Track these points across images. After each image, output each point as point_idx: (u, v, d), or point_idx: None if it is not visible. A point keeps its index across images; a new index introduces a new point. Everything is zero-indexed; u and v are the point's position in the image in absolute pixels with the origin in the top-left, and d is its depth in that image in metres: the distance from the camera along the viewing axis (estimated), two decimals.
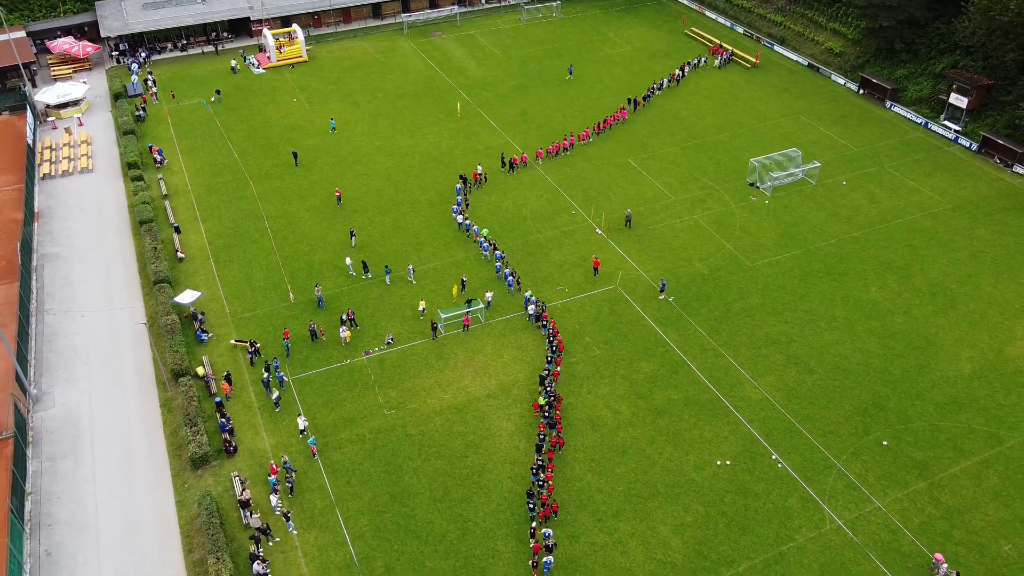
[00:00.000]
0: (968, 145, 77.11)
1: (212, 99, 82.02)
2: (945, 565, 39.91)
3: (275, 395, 50.06)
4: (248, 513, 43.02)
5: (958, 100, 78.77)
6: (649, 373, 52.41)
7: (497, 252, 61.25)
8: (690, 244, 64.40)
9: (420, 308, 56.28)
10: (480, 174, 71.63)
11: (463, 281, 58.97)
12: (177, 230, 64.92)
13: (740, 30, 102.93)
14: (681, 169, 74.39)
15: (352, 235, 63.87)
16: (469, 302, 57.13)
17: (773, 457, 46.77)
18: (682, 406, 50.06)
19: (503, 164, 73.91)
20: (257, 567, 40.06)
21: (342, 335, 54.14)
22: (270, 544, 42.12)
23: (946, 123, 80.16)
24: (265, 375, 50.88)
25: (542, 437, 46.58)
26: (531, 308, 55.91)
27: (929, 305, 57.95)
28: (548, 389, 49.66)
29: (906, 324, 56.30)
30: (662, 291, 57.45)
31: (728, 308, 57.78)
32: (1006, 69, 76.49)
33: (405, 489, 45.02)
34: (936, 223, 66.82)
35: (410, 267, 59.91)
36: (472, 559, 41.46)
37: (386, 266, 60.60)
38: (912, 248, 63.77)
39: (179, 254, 62.36)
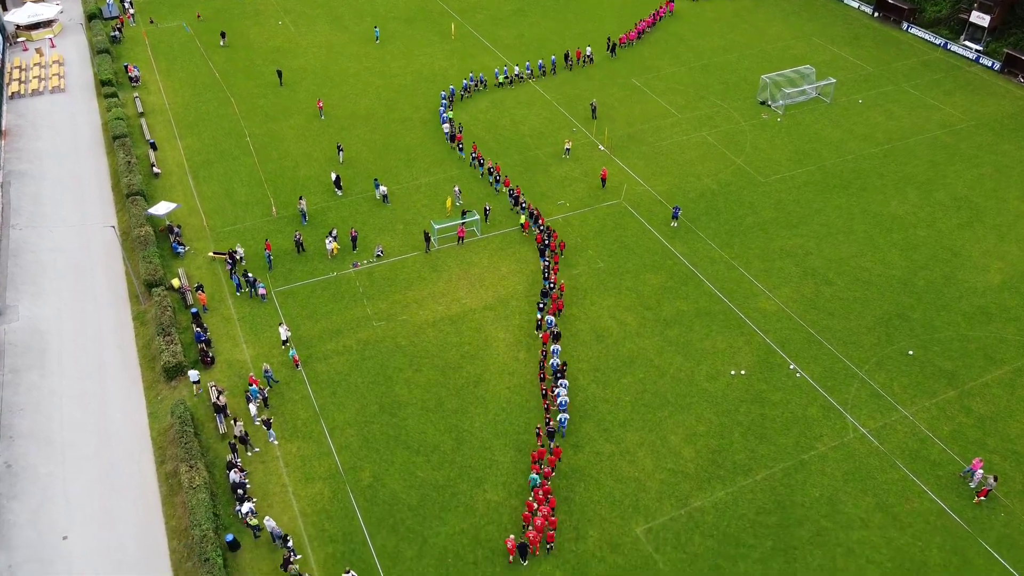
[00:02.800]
0: (990, 64, 73.15)
1: (197, 17, 76.71)
2: (981, 471, 36.80)
3: (261, 289, 46.72)
4: (224, 419, 39.69)
5: (979, 18, 74.69)
6: (657, 285, 48.99)
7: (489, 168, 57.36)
8: (698, 160, 60.68)
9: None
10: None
11: (457, 191, 55.24)
12: (153, 146, 60.94)
13: None
14: (687, 88, 70.41)
15: (340, 150, 59.99)
16: (464, 214, 53.49)
17: (791, 367, 43.53)
18: (692, 317, 46.71)
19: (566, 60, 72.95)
20: (234, 475, 36.86)
21: (328, 247, 50.53)
22: (249, 454, 38.87)
23: (967, 43, 76.13)
24: (238, 277, 47.56)
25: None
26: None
27: (954, 218, 54.46)
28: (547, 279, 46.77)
29: (929, 237, 52.85)
30: (675, 217, 53.48)
31: (739, 222, 54.24)
32: None
33: (395, 400, 41.74)
34: (958, 139, 63.12)
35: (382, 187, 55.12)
36: (468, 469, 38.29)
37: (375, 180, 56.78)
38: (934, 164, 60.14)
39: (155, 169, 58.48)
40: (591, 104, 65.34)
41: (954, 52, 76.10)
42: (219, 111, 66.57)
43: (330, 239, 50.68)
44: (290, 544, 34.27)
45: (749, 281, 49.27)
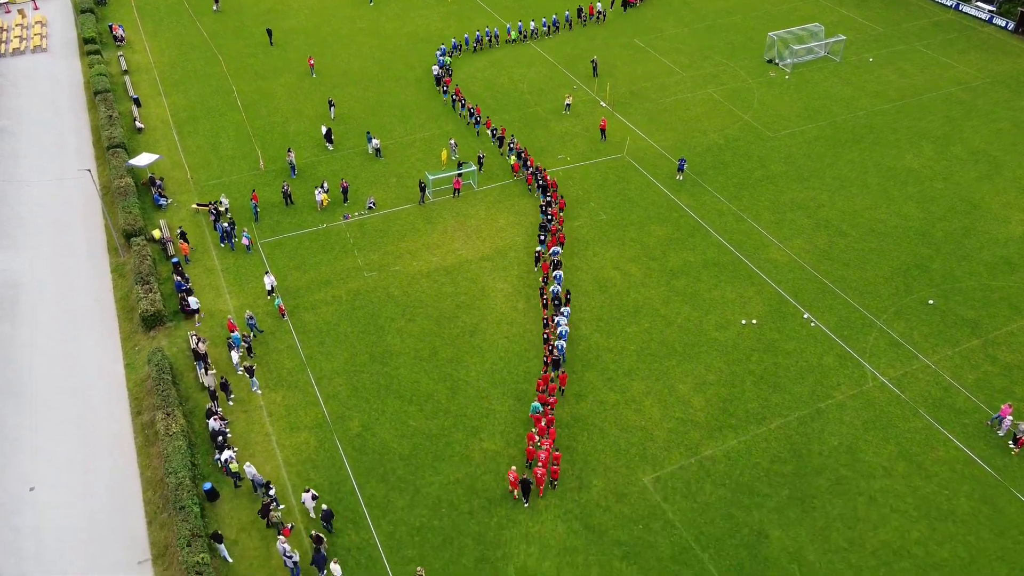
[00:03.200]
0: (1004, 24, 70.82)
1: (214, 8, 73.30)
2: (1010, 418, 34.50)
3: (246, 239, 44.45)
4: (204, 369, 37.31)
5: None
6: (662, 236, 46.65)
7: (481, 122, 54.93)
8: (704, 116, 58.33)
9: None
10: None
11: (453, 144, 52.88)
12: (137, 102, 58.57)
13: None
14: (691, 48, 68.06)
15: (331, 105, 57.58)
16: (460, 165, 51.14)
17: (805, 316, 41.21)
18: (700, 268, 44.38)
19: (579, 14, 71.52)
20: (214, 423, 34.51)
21: (318, 198, 48.16)
22: (229, 403, 36.51)
23: (979, 4, 73.75)
24: (225, 225, 45.17)
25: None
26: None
27: (972, 171, 52.14)
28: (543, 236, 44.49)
29: (947, 189, 50.54)
30: (680, 170, 51.10)
31: (748, 175, 51.91)
32: None
33: (387, 349, 39.38)
34: (974, 96, 60.79)
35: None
36: (463, 418, 35.94)
37: (368, 132, 54.38)
38: (949, 119, 57.82)
39: (137, 124, 56.08)
40: (592, 61, 63.02)
41: (966, 13, 73.80)
42: (207, 70, 64.16)
43: (319, 191, 48.32)
44: (272, 492, 31.93)
45: (759, 232, 46.95)
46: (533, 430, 34.30)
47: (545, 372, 37.26)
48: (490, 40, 67.87)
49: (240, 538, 31.26)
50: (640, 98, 60.37)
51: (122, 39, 67.47)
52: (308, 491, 31.59)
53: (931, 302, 42.02)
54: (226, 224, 45.36)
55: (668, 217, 48.23)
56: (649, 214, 48.46)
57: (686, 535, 31.37)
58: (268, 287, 41.89)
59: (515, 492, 32.43)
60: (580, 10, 71.90)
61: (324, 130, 54.09)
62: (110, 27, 68.72)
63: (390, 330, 40.45)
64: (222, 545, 30.35)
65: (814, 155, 53.84)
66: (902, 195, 49.99)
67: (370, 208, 48.43)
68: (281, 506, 32.10)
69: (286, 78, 63.07)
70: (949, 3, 75.12)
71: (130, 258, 44.23)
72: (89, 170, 46.17)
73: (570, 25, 70.98)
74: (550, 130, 56.63)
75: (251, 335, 39.12)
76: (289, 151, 51.58)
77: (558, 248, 43.89)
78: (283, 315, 41.02)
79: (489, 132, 54.90)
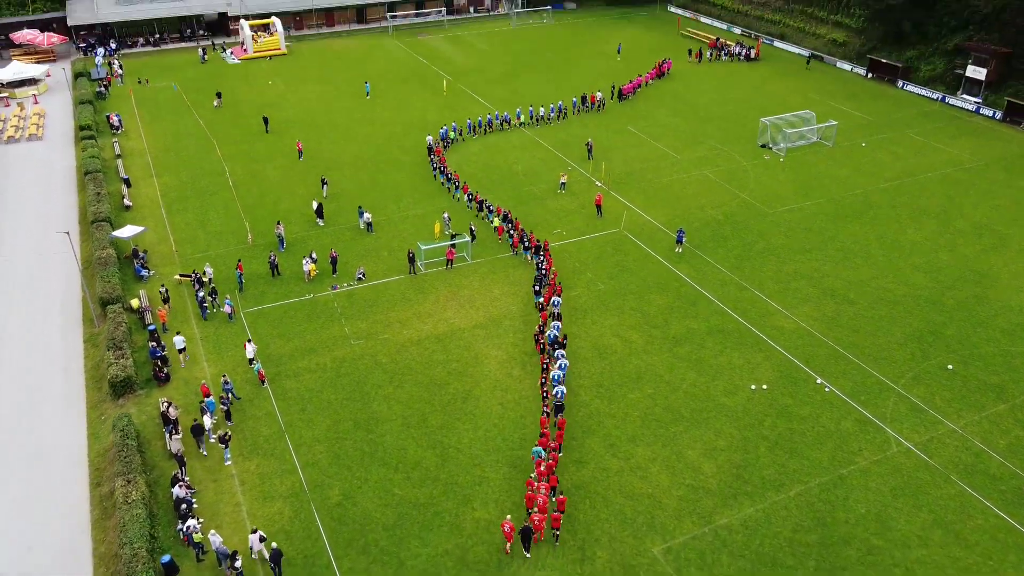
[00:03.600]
0: (992, 114, 71.82)
1: (215, 104, 74.79)
2: None
3: (227, 306, 42.38)
4: (171, 434, 34.41)
5: (976, 72, 74.03)
6: (663, 305, 44.77)
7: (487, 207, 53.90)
8: (700, 194, 57.75)
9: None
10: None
11: (446, 218, 51.77)
12: (127, 183, 57.89)
13: (738, 31, 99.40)
14: (685, 134, 68.53)
15: (324, 183, 56.94)
16: (454, 237, 49.83)
17: (818, 381, 38.79)
18: (704, 335, 42.27)
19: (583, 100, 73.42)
20: (178, 491, 31.37)
21: (305, 268, 46.51)
22: (201, 450, 33.65)
23: (965, 96, 75.14)
24: (204, 295, 43.22)
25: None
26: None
27: (976, 244, 50.99)
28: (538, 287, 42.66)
29: (953, 260, 49.20)
30: (679, 242, 49.85)
31: (748, 248, 50.64)
32: None
33: (372, 416, 36.65)
34: (971, 176, 60.60)
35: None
36: (454, 487, 32.85)
37: (360, 207, 53.41)
38: (949, 197, 57.29)
39: (126, 201, 55.17)
40: (587, 143, 63.09)
41: (953, 105, 75.05)
42: (200, 154, 64.01)
43: (307, 260, 46.73)
44: (238, 564, 28.48)
45: (763, 301, 45.14)
46: (532, 475, 31.62)
47: (544, 416, 35.07)
48: (492, 124, 68.67)
49: None
50: (635, 178, 60.00)
51: (118, 127, 67.76)
52: (255, 532, 28.43)
53: (950, 367, 39.73)
54: (206, 294, 43.40)
55: (668, 286, 46.54)
56: (648, 284, 46.78)
57: None
58: (249, 355, 39.48)
59: (508, 546, 29.18)
60: (584, 97, 73.02)
61: (315, 205, 53.14)
62: (107, 117, 69.14)
63: (376, 397, 37.82)
64: None
65: (814, 229, 52.81)
66: (908, 265, 48.58)
67: (359, 279, 46.69)
68: None
69: (280, 162, 62.82)
70: (935, 96, 76.53)
71: (105, 327, 41.97)
72: (67, 233, 44.78)
73: (577, 111, 72.28)
74: (546, 207, 55.80)
75: (228, 399, 36.43)
76: (278, 224, 50.39)
77: (558, 299, 42.58)
78: (263, 381, 38.47)
79: (466, 197, 54.84)
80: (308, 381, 38.80)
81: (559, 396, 36.17)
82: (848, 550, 30.02)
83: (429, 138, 62.92)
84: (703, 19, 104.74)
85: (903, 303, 44.92)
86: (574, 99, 73.55)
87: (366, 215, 52.16)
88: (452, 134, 65.77)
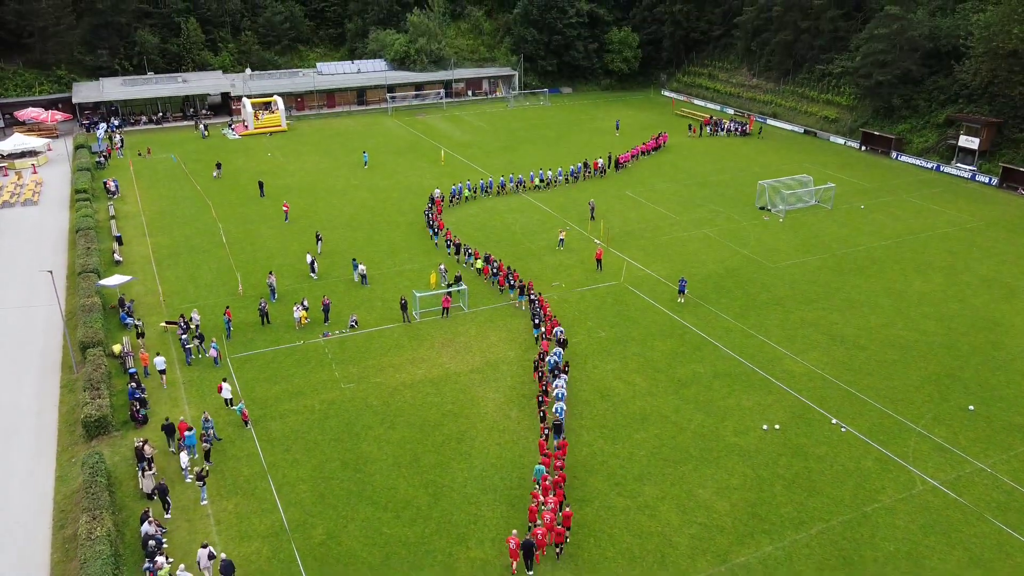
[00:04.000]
0: (988, 180, 72.07)
1: (214, 175, 74.38)
2: None
3: (213, 350, 40.62)
4: (143, 471, 32.05)
5: (968, 142, 74.81)
6: (667, 351, 43.10)
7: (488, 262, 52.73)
8: (701, 251, 56.95)
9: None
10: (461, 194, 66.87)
11: (442, 269, 50.65)
12: (119, 240, 57.03)
13: (731, 111, 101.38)
14: (683, 198, 68.44)
15: (319, 239, 56.15)
16: (450, 286, 48.57)
17: (833, 422, 36.74)
18: (711, 378, 40.43)
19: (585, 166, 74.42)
20: (147, 527, 28.85)
21: (296, 316, 45.01)
22: (167, 516, 30.94)
23: (959, 165, 75.64)
24: (188, 338, 41.58)
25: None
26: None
27: (986, 295, 49.78)
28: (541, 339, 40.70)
29: (963, 310, 47.87)
30: (681, 292, 48.68)
31: (752, 299, 49.37)
32: (1014, 105, 73.10)
33: (362, 456, 34.39)
34: (972, 235, 60.05)
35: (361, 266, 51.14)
36: (448, 525, 30.35)
37: (354, 259, 52.39)
38: (952, 253, 56.51)
39: (116, 257, 54.13)
40: (589, 204, 62.67)
41: (948, 173, 75.46)
42: (195, 216, 63.52)
43: (298, 307, 45.30)
44: None
45: (771, 347, 43.51)
46: (537, 488, 29.93)
47: (543, 439, 33.33)
48: (505, 185, 69.56)
49: None
50: (635, 237, 59.34)
51: (115, 192, 67.59)
52: (205, 546, 26.72)
53: (971, 408, 37.74)
54: (190, 338, 41.78)
55: (672, 333, 44.98)
56: (651, 331, 45.23)
57: None
58: (226, 396, 37.45)
59: (514, 565, 26.89)
60: (586, 163, 73.77)
61: (309, 259, 52.12)
62: (104, 182, 69.08)
63: (366, 438, 35.62)
64: None
65: (819, 281, 51.70)
66: (918, 314, 47.20)
67: (352, 326, 45.13)
68: None
69: (274, 223, 62.23)
70: (929, 166, 77.07)
71: (83, 372, 40.06)
72: (51, 272, 43.41)
73: (577, 177, 72.92)
74: (543, 262, 54.83)
75: (210, 436, 34.23)
76: (270, 274, 49.23)
77: (560, 328, 41.73)
78: (246, 423, 36.32)
79: (446, 241, 54.83)
80: (294, 423, 36.67)
81: (559, 413, 34.60)
82: None
83: (437, 191, 64.15)
84: (697, 101, 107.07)
85: (916, 348, 43.30)
86: (579, 165, 74.26)
87: (360, 267, 51.07)
88: (467, 192, 67.26)
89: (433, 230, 58.26)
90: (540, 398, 36.49)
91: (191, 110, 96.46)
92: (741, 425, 36.48)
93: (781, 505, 31.37)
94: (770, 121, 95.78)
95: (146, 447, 33.07)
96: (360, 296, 49.55)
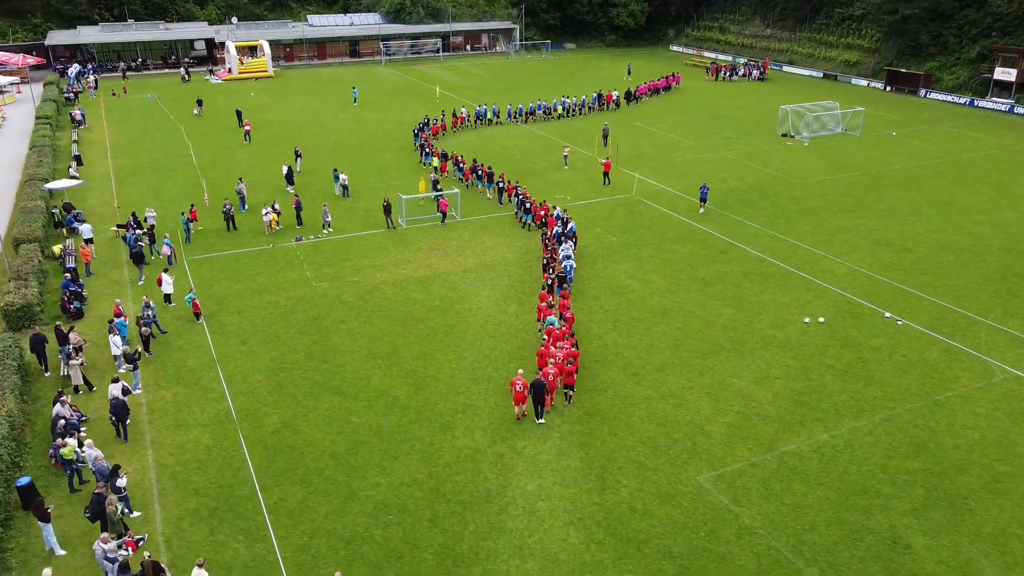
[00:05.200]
0: None
1: (195, 112, 69.01)
2: None
3: (167, 248, 35.29)
4: (69, 356, 26.63)
5: (1005, 74, 69.33)
6: (687, 253, 37.68)
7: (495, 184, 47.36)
8: (719, 169, 51.53)
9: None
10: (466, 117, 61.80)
11: (434, 179, 45.26)
12: (78, 160, 51.69)
13: (743, 60, 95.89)
14: (696, 127, 63.08)
15: (298, 156, 50.82)
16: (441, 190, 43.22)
17: (887, 316, 31.25)
18: (739, 277, 34.99)
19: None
20: (59, 408, 23.43)
21: (266, 219, 39.71)
22: (79, 393, 25.66)
23: (995, 99, 70.14)
24: (140, 235, 36.20)
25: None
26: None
27: None
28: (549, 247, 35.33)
29: (1019, 219, 42.38)
30: (703, 200, 43.13)
31: (781, 209, 43.98)
32: None
33: (330, 347, 28.99)
34: (1019, 156, 54.55)
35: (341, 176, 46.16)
36: (431, 415, 24.92)
37: (335, 169, 47.03)
38: (998, 171, 51.09)
39: (72, 172, 48.72)
40: (603, 128, 56.96)
41: (983, 107, 69.97)
42: (167, 143, 58.20)
43: (268, 210, 39.98)
44: (121, 483, 20.37)
45: (806, 249, 38.09)
46: (546, 339, 26.12)
47: (544, 290, 29.73)
48: (535, 112, 65.70)
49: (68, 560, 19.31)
50: (647, 159, 53.96)
51: (81, 122, 62.33)
52: (116, 381, 23.23)
53: None
54: (142, 235, 36.44)
55: (692, 238, 39.55)
56: (668, 236, 39.82)
57: (777, 545, 19.52)
58: (167, 290, 32.01)
59: (521, 410, 23.58)
60: (600, 95, 69.58)
61: (285, 169, 46.78)
62: (71, 113, 63.78)
63: (337, 331, 30.21)
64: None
65: (854, 194, 46.28)
66: (970, 221, 41.78)
67: (328, 232, 39.75)
68: (130, 511, 20.45)
69: (253, 149, 56.83)
70: (962, 101, 71.60)
71: (13, 265, 34.62)
72: None
73: (590, 108, 69.04)
74: (547, 179, 49.42)
75: (149, 318, 28.85)
76: (240, 181, 43.90)
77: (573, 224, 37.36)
78: (198, 316, 30.92)
79: (435, 163, 48.89)
80: (254, 316, 31.28)
81: (568, 271, 31.19)
82: (967, 478, 21.89)
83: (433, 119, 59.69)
84: (707, 54, 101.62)
85: (972, 251, 37.83)
86: (593, 95, 69.96)
87: (342, 177, 45.74)
88: (490, 115, 63.53)
89: (423, 151, 52.71)
90: (546, 262, 32.44)
91: (172, 57, 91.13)
92: (778, 319, 31.03)
93: (834, 394, 25.91)
94: (786, 68, 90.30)
95: (72, 334, 27.63)
96: (342, 207, 44.15)
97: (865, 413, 24.87)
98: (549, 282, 31.30)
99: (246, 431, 24.06)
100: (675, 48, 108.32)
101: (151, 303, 29.69)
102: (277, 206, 40.52)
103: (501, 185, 43.97)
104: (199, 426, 24.35)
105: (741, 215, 42.87)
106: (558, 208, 38.74)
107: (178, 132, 60.94)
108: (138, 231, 36.72)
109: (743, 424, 24.31)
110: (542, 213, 39.59)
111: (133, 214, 38.65)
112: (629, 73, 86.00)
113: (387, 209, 40.28)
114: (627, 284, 34.17)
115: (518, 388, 23.46)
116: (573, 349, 25.65)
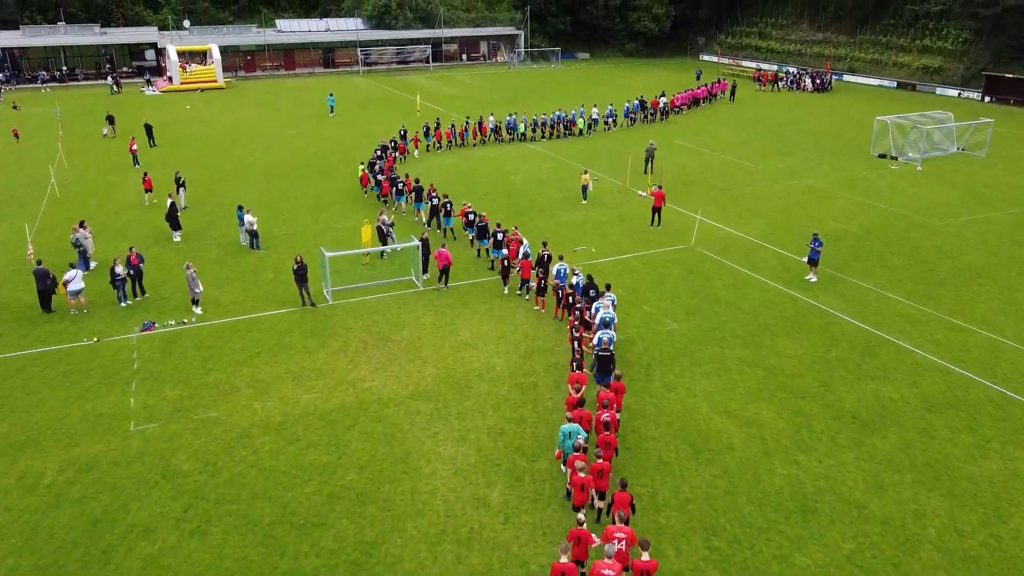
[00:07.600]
0: None
1: (104, 132, 52.84)
2: None
3: None
4: None
5: None
6: (806, 356, 21.70)
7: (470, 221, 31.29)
8: (810, 204, 35.85)
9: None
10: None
11: (386, 221, 29.41)
12: None
13: (792, 70, 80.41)
14: (758, 146, 47.56)
15: (180, 185, 35.28)
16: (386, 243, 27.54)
17: None
18: (921, 410, 19.07)
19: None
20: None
21: (72, 289, 23.98)
22: None
23: None
24: None
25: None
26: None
27: None
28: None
29: None
30: (814, 263, 26.83)
31: (929, 268, 28.13)
32: None
33: None
34: None
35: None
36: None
37: (240, 207, 31.31)
38: None
39: None
40: (648, 146, 40.97)
41: None
42: (37, 164, 42.76)
43: (76, 272, 24.31)
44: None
45: (1013, 348, 22.03)
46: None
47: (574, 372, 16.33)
48: (556, 125, 50.46)
49: None
50: (700, 188, 38.39)
51: None
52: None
53: None
54: None
55: (805, 325, 23.61)
56: (763, 320, 23.90)
57: None
58: None
59: None
60: (643, 102, 55.09)
61: (168, 203, 31.12)
62: None
63: (129, 559, 14.22)
64: None
65: None
66: None
67: (197, 311, 23.97)
68: None
69: (156, 172, 41.15)
70: None
71: None
72: None
73: (632, 120, 54.25)
74: (558, 219, 33.71)
75: None
76: (79, 226, 28.25)
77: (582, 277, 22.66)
78: None
79: (374, 189, 35.65)
80: None
81: (607, 344, 17.62)
82: None
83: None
84: (746, 63, 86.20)
85: None
86: (635, 103, 55.05)
87: (248, 219, 29.99)
88: (521, 126, 49.26)
89: (393, 187, 36.24)
90: (573, 330, 19.41)
91: (108, 66, 76.18)
92: None
93: None
94: (846, 78, 74.80)
95: None
96: (242, 266, 28.45)
97: None
98: (577, 360, 17.47)
99: None
100: (705, 58, 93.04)
101: None
102: (119, 264, 24.72)
103: (435, 202, 28.77)
104: None
105: (868, 279, 26.98)
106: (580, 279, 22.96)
107: (55, 150, 45.51)
108: None
109: None
110: (518, 250, 24.16)
111: None
112: (699, 79, 70.85)
113: (301, 273, 24.44)
114: (716, 429, 18.20)
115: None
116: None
